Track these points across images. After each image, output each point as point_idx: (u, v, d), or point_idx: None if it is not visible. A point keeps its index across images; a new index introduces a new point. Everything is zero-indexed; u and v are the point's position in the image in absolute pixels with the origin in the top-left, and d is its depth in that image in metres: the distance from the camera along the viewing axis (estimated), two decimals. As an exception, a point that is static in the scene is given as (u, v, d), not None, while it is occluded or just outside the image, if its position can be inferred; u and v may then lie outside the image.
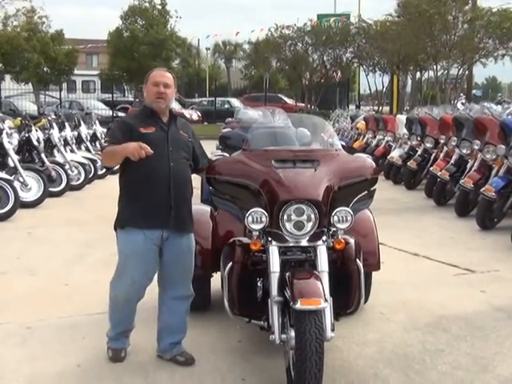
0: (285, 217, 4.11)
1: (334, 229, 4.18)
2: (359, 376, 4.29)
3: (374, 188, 4.74)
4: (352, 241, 4.36)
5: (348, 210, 4.16)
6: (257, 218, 4.09)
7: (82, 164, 13.04)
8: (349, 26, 36.90)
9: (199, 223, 5.38)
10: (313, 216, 4.11)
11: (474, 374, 4.29)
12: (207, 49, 62.08)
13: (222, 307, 4.83)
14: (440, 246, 7.97)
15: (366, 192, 4.66)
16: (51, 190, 11.41)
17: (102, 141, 13.67)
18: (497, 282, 6.42)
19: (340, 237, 4.18)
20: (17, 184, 10.13)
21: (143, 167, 4.13)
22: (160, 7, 32.78)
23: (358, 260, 4.32)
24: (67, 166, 12.32)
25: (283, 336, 3.94)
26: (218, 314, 5.18)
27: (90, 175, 13.37)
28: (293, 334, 3.81)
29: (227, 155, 4.82)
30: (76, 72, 36.33)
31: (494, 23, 29.64)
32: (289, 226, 4.12)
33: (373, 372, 4.34)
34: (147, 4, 32.54)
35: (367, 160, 4.84)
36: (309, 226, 4.12)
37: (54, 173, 11.83)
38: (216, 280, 5.32)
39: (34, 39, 31.83)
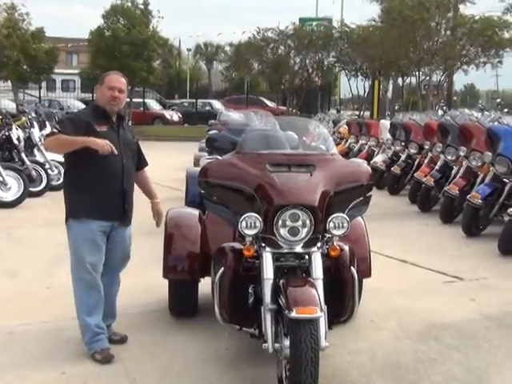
0: (279, 222, 4.02)
1: (329, 235, 4.09)
2: (352, 386, 4.20)
3: (369, 194, 4.65)
4: (346, 248, 4.27)
5: (344, 216, 4.07)
6: (251, 224, 3.99)
7: (63, 164, 12.81)
8: (331, 30, 36.87)
9: (187, 227, 5.31)
10: (308, 222, 4.02)
11: (469, 385, 4.22)
12: (188, 50, 61.84)
13: (209, 313, 4.74)
14: (426, 253, 7.91)
15: (361, 198, 4.56)
16: (31, 189, 11.20)
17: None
18: (485, 290, 6.36)
19: (335, 243, 4.09)
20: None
21: (100, 163, 4.36)
22: (142, 7, 32.50)
23: (352, 267, 4.23)
24: (47, 166, 12.11)
25: (276, 345, 3.84)
26: (206, 320, 5.08)
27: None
28: (287, 343, 3.73)
29: (220, 158, 4.70)
30: (56, 71, 35.94)
31: (476, 31, 29.76)
32: (283, 231, 4.02)
33: (366, 382, 4.26)
34: (129, 3, 32.26)
35: (363, 165, 4.76)
36: (304, 232, 4.03)
37: (34, 172, 11.62)
38: (202, 285, 5.23)
39: (13, 36, 31.41)
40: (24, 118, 13.08)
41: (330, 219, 4.04)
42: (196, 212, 5.44)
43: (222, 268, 4.19)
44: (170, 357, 4.63)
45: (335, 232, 4.05)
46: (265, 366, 4.25)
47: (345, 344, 4.80)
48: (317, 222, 4.04)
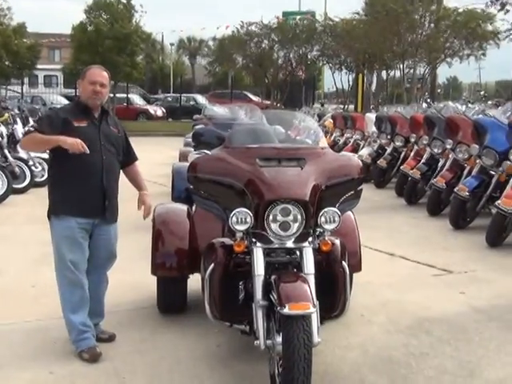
0: (270, 217, 3.96)
1: (320, 230, 4.04)
2: (345, 382, 4.17)
3: (360, 188, 4.60)
4: (338, 242, 4.23)
5: (336, 210, 4.03)
6: (241, 219, 3.93)
7: (46, 160, 12.69)
8: (315, 24, 36.84)
9: (176, 223, 5.25)
10: (299, 216, 3.97)
11: (462, 379, 4.19)
12: (171, 44, 61.59)
13: (198, 310, 4.69)
14: (415, 246, 7.90)
15: (352, 192, 4.51)
16: (15, 186, 11.08)
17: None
18: (475, 283, 6.35)
19: (326, 238, 4.04)
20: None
21: (78, 159, 4.30)
22: (125, 1, 32.30)
23: (343, 262, 4.19)
24: (31, 162, 11.98)
25: (268, 342, 3.79)
26: (195, 316, 5.04)
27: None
28: (279, 339, 3.67)
29: (209, 153, 4.63)
30: (38, 66, 35.67)
31: (459, 23, 29.85)
32: (274, 226, 3.97)
33: (359, 377, 4.22)
34: (112, -2, 32.09)
35: (353, 159, 4.71)
36: (295, 226, 3.98)
37: (17, 169, 11.51)
38: (191, 281, 5.17)
39: (-6, 32, 31.17)
40: (7, 115, 12.93)
41: (321, 213, 3.99)
42: (184, 208, 5.38)
43: (212, 264, 4.13)
44: (159, 354, 4.57)
45: (326, 226, 4.00)
46: (256, 362, 4.20)
47: (336, 339, 4.76)
48: (308, 217, 3.99)
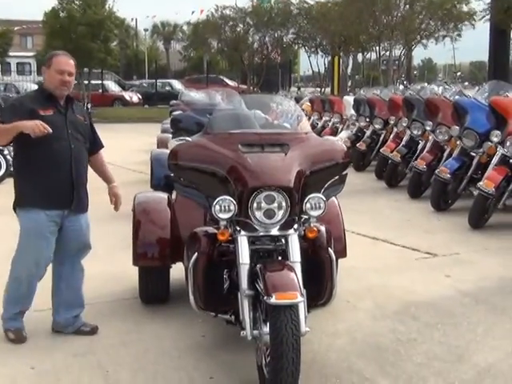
0: (254, 205, 3.87)
1: (306, 216, 3.96)
2: (333, 370, 4.09)
3: (345, 173, 4.52)
4: (323, 228, 4.15)
5: (321, 196, 3.95)
6: (225, 207, 3.84)
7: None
8: (290, 7, 36.68)
9: (156, 211, 5.14)
10: (284, 203, 3.89)
11: (451, 365, 4.14)
12: (145, 30, 61.06)
13: (182, 299, 4.60)
14: (397, 229, 7.86)
15: (337, 177, 4.43)
16: (-11, 176, 10.90)
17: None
18: (459, 266, 6.32)
19: (312, 225, 3.96)
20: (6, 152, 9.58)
21: (45, 148, 4.22)
22: (97, -13, 31.85)
23: (329, 248, 4.11)
24: (6, 152, 11.73)
25: (255, 332, 3.71)
26: (179, 306, 4.94)
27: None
28: (266, 329, 3.60)
29: (189, 139, 4.51)
30: (10, 54, 35.15)
31: (435, 4, 29.85)
32: (258, 214, 3.88)
33: (346, 365, 4.15)
34: (84, -17, 31.60)
35: (337, 143, 4.61)
36: (280, 214, 3.89)
37: (-8, 158, 11.31)
38: (174, 270, 5.08)
39: (-36, 19, 30.63)
40: None
41: (306, 200, 3.91)
42: (165, 196, 5.27)
43: (196, 253, 4.03)
44: (143, 346, 4.48)
45: (312, 213, 3.92)
46: (243, 352, 4.11)
47: (322, 327, 4.68)
48: (293, 204, 3.91)
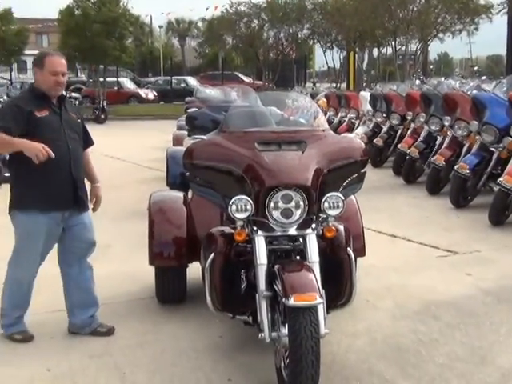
0: (271, 204, 3.80)
1: (324, 216, 3.88)
2: (353, 372, 4.02)
3: (364, 171, 4.43)
4: (341, 227, 4.06)
5: (339, 195, 3.87)
6: (241, 207, 3.77)
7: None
8: (305, 2, 36.51)
9: (172, 210, 5.09)
10: (301, 203, 3.81)
11: (474, 366, 4.05)
12: (160, 27, 61.01)
13: (199, 299, 4.54)
14: (416, 226, 7.76)
15: (355, 175, 4.34)
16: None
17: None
18: (481, 264, 6.20)
19: (330, 224, 3.88)
20: None
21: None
22: (112, -16, 31.84)
23: (348, 248, 4.03)
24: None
25: (274, 334, 3.65)
26: (196, 306, 4.89)
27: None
28: (285, 331, 3.53)
29: (205, 138, 4.45)
30: (26, 52, 35.22)
31: (451, -2, 29.61)
32: (276, 214, 3.81)
33: (367, 367, 4.07)
34: (99, -19, 31.58)
35: (355, 140, 4.52)
36: (297, 213, 3.82)
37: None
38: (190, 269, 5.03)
39: (-20, 18, 30.75)
40: None
41: (324, 199, 3.83)
42: (180, 195, 5.22)
43: (212, 254, 3.96)
44: (160, 347, 4.43)
45: (330, 212, 3.83)
46: (261, 354, 4.04)
47: (342, 327, 4.60)
48: (310, 203, 3.83)
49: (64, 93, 4.48)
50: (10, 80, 33.85)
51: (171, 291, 5.11)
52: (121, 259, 6.37)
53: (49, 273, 5.75)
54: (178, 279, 5.06)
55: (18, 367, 4.16)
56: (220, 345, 4.45)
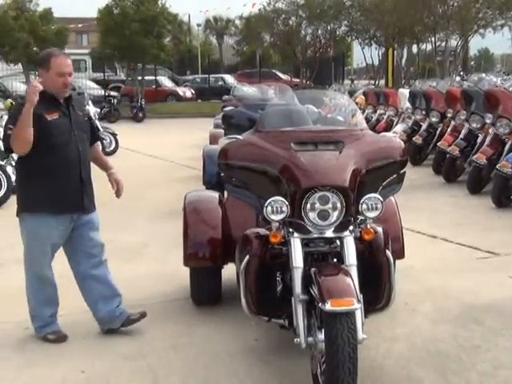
0: (308, 206, 3.71)
1: (362, 217, 3.77)
2: (391, 378, 3.91)
3: (403, 171, 4.30)
4: (380, 229, 3.95)
5: (378, 196, 3.76)
6: (277, 208, 3.68)
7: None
8: (343, -1, 36.29)
9: (207, 211, 5.03)
10: (339, 204, 3.71)
11: (519, 374, 3.91)
12: (198, 25, 61.16)
13: (234, 301, 4.46)
14: (456, 227, 7.58)
15: (395, 176, 4.22)
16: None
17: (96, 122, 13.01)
18: (523, 266, 6.03)
19: (368, 226, 3.77)
20: (9, 169, 9.52)
21: (54, 155, 4.20)
22: (150, -17, 32.00)
23: (387, 250, 3.92)
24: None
25: (310, 339, 3.55)
26: (231, 308, 4.81)
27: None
28: (321, 336, 3.43)
29: (240, 137, 4.37)
30: (66, 51, 35.60)
31: (492, -8, 29.12)
32: (312, 215, 3.72)
33: (406, 373, 3.95)
34: (137, -20, 31.78)
35: (394, 140, 4.39)
36: (334, 215, 3.72)
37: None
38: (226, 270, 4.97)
39: (21, 18, 31.08)
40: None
41: (362, 201, 3.72)
42: (215, 195, 5.15)
43: (247, 256, 3.89)
44: (194, 350, 4.37)
45: (368, 214, 3.72)
46: (297, 359, 3.95)
47: (380, 331, 4.49)
48: (348, 204, 3.73)
49: (71, 93, 4.46)
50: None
51: (206, 292, 5.05)
52: (156, 259, 6.34)
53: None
54: (212, 280, 5.00)
55: (50, 367, 4.15)
56: (255, 348, 4.37)
